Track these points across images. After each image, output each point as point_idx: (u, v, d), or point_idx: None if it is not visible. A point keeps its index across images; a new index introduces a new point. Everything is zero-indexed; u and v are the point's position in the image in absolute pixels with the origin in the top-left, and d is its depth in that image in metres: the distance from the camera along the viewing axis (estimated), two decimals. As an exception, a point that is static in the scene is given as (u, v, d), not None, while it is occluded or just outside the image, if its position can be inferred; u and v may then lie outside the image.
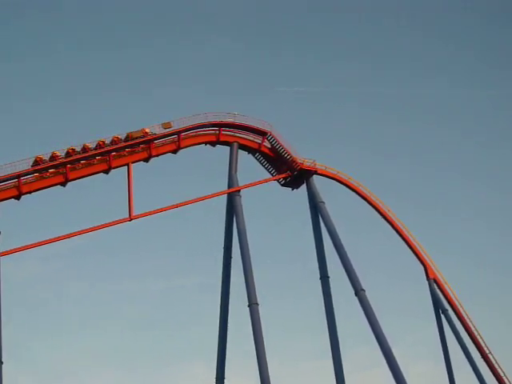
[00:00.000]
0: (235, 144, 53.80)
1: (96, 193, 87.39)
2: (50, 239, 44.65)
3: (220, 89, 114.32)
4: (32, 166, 45.23)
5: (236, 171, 52.60)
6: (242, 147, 54.49)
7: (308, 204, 55.03)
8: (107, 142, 48.07)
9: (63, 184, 46.65)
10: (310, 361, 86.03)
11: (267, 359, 44.59)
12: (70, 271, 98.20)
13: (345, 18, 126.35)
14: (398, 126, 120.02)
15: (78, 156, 46.79)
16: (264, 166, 56.27)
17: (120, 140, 48.47)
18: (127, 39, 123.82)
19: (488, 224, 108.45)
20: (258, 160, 56.08)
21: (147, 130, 49.76)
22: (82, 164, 47.16)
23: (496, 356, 57.58)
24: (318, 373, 75.01)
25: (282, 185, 56.57)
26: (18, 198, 45.05)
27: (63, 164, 46.18)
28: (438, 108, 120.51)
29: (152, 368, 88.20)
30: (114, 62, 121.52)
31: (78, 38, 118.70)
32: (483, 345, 57.66)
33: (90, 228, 45.83)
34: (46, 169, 45.79)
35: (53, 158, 46.17)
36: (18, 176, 44.53)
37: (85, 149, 47.10)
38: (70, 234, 45.22)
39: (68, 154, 46.57)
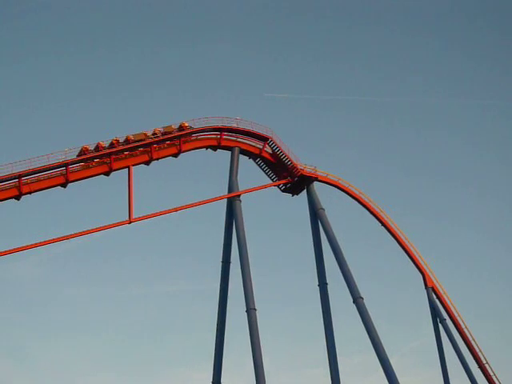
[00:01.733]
0: (236, 149, 53.80)
1: (97, 195, 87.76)
2: (48, 240, 44.40)
3: (220, 93, 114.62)
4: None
5: (236, 176, 52.57)
6: (243, 152, 54.50)
7: (308, 210, 55.07)
8: (106, 144, 48.08)
9: (63, 185, 46.55)
10: (307, 367, 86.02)
11: (264, 365, 44.62)
12: (68, 273, 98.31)
13: (344, 25, 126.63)
14: (399, 133, 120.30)
15: (80, 157, 46.75)
16: (265, 171, 56.29)
17: (119, 143, 48.46)
18: (127, 43, 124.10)
19: (487, 233, 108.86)
20: (258, 165, 56.11)
21: (148, 133, 49.78)
22: (82, 166, 47.14)
23: (493, 366, 57.76)
24: (315, 380, 75.08)
25: (283, 190, 56.58)
26: (18, 198, 44.98)
27: (64, 165, 46.12)
28: (439, 116, 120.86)
29: (149, 372, 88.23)
30: (111, 66, 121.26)
31: (78, 40, 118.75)
32: (480, 354, 57.75)
33: (89, 230, 45.64)
34: (47, 170, 45.71)
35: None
36: (19, 176, 44.47)
37: (84, 151, 47.11)
38: (69, 235, 44.96)
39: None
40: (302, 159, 55.66)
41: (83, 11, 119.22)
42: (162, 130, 50.60)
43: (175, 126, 51.13)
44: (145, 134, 49.54)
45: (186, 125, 51.37)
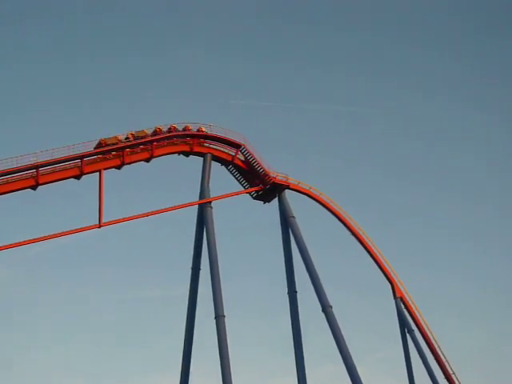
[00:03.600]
0: (208, 155, 53.70)
1: (67, 198, 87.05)
2: (14, 244, 43.71)
3: (193, 99, 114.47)
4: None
5: (208, 182, 52.46)
6: (216, 159, 54.40)
7: (279, 218, 55.10)
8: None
9: (34, 187, 46.07)
10: (275, 376, 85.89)
11: (231, 372, 44.53)
12: (38, 277, 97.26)
13: (319, 30, 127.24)
14: (373, 142, 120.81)
15: (51, 160, 46.33)
16: (237, 178, 56.20)
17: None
18: (97, 48, 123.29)
19: (457, 243, 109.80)
20: (230, 172, 56.02)
21: (120, 138, 49.53)
22: (53, 169, 46.73)
23: (459, 377, 58.14)
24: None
25: (254, 198, 56.58)
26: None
27: (35, 167, 45.63)
28: (411, 123, 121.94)
29: (117, 377, 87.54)
30: (81, 71, 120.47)
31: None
32: (447, 365, 58.14)
33: (58, 233, 45.25)
34: (17, 172, 45.20)
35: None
36: None
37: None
38: (37, 238, 44.51)
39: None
40: (275, 167, 55.85)
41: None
42: (134, 134, 50.39)
43: (148, 131, 50.97)
44: (117, 138, 49.29)
45: (161, 129, 51.31)
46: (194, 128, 53.24)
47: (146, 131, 50.95)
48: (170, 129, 52.04)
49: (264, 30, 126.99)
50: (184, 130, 52.67)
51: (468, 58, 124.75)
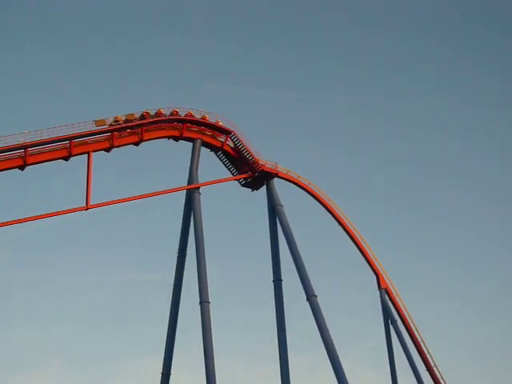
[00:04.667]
0: (198, 141, 53.60)
1: (55, 180, 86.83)
2: (0, 223, 43.54)
3: (185, 84, 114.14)
4: None
5: (197, 168, 52.40)
6: (205, 144, 54.33)
7: (267, 206, 55.13)
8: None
9: (21, 168, 45.84)
10: (258, 363, 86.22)
11: (214, 357, 44.66)
12: (24, 258, 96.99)
13: (312, 17, 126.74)
14: (364, 132, 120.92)
15: (39, 141, 46.07)
16: (226, 165, 56.17)
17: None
18: (83, 31, 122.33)
19: (443, 236, 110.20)
20: (219, 158, 55.96)
21: (108, 121, 49.29)
22: (41, 149, 46.49)
23: (440, 369, 58.58)
24: (266, 376, 75.24)
25: (243, 185, 56.57)
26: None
27: (23, 147, 45.39)
28: (402, 114, 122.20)
29: (99, 360, 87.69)
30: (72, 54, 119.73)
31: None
32: (429, 357, 58.50)
33: (45, 214, 45.09)
34: (5, 151, 45.01)
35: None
36: None
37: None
38: (23, 219, 44.32)
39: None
40: (264, 155, 55.83)
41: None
42: (123, 117, 50.22)
43: (137, 115, 50.81)
44: (103, 121, 48.99)
45: (149, 113, 51.18)
46: (181, 112, 53.10)
47: (135, 115, 50.78)
48: (157, 113, 51.85)
49: (253, 14, 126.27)
50: (171, 114, 52.51)
51: (467, 48, 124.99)
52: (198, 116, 53.81)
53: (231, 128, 54.58)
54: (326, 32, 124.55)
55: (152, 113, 51.68)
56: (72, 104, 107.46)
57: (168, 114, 52.37)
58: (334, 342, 47.19)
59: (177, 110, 52.84)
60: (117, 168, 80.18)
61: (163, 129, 52.36)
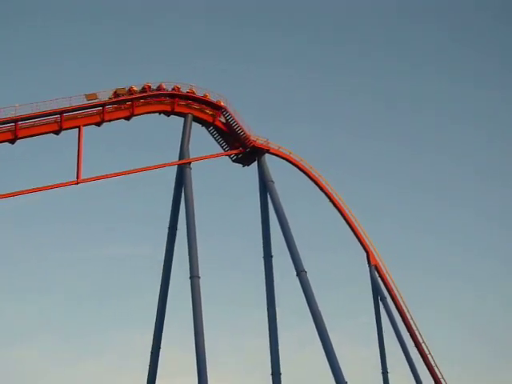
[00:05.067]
0: (189, 116, 53.39)
1: (45, 154, 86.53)
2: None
3: (175, 60, 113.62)
4: None
5: (188, 143, 52.28)
6: (196, 120, 54.07)
7: (258, 182, 55.16)
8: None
9: (12, 141, 45.56)
10: (247, 337, 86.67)
11: (204, 332, 44.85)
12: (13, 233, 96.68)
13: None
14: (357, 110, 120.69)
15: (30, 114, 45.81)
16: (217, 140, 55.99)
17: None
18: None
19: (434, 215, 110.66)
20: (211, 134, 55.77)
21: (98, 95, 49.03)
22: (32, 123, 46.24)
23: (429, 346, 59.06)
24: (255, 350, 75.70)
25: (234, 161, 56.54)
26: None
27: (14, 121, 45.12)
28: (397, 94, 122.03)
29: (90, 334, 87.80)
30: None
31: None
32: (417, 333, 58.96)
33: (35, 188, 44.84)
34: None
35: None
36: None
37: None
38: (13, 192, 44.07)
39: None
40: (256, 131, 55.75)
41: None
42: (116, 91, 49.95)
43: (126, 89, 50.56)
44: (95, 95, 48.74)
45: (135, 89, 50.86)
46: (168, 87, 52.78)
47: (126, 89, 50.54)
48: (143, 88, 51.54)
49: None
50: (158, 88, 52.17)
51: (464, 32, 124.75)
52: (184, 90, 53.55)
53: (221, 101, 54.33)
54: (314, 9, 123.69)
55: (139, 88, 51.40)
56: (62, 78, 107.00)
57: (155, 88, 52.11)
58: (324, 317, 47.46)
59: (163, 85, 52.56)
60: (108, 143, 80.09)
61: (154, 103, 52.11)
